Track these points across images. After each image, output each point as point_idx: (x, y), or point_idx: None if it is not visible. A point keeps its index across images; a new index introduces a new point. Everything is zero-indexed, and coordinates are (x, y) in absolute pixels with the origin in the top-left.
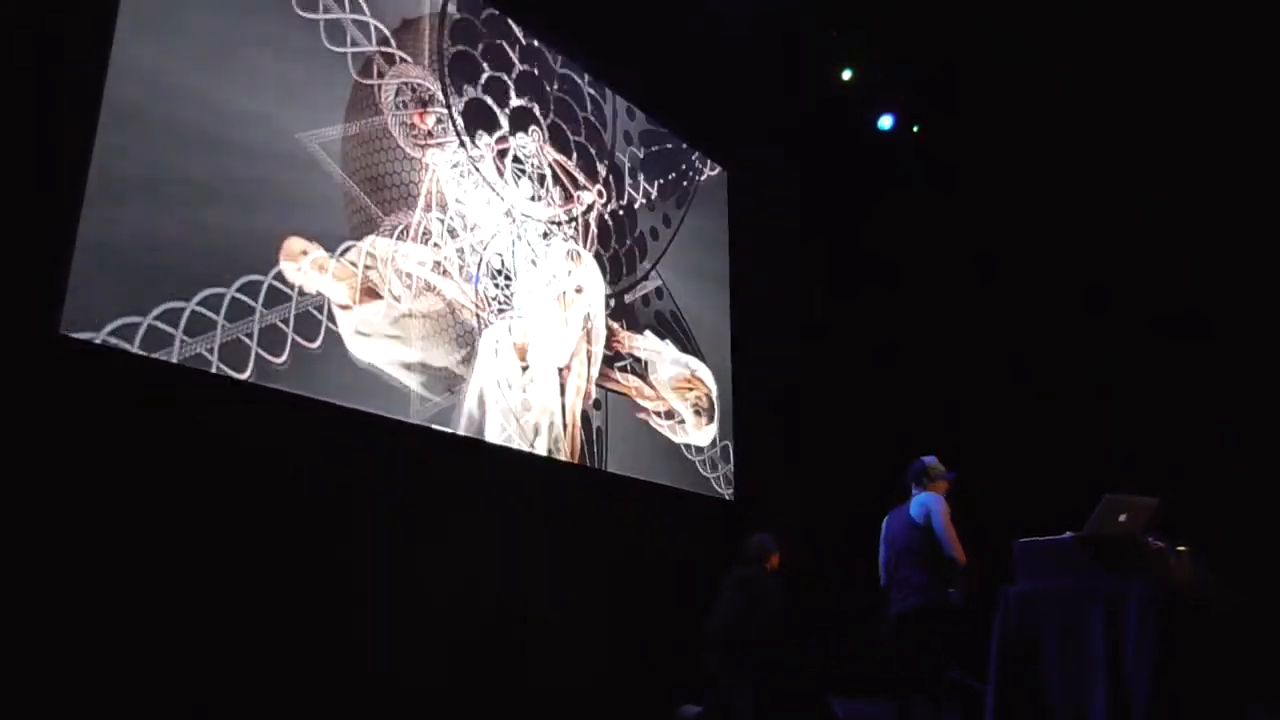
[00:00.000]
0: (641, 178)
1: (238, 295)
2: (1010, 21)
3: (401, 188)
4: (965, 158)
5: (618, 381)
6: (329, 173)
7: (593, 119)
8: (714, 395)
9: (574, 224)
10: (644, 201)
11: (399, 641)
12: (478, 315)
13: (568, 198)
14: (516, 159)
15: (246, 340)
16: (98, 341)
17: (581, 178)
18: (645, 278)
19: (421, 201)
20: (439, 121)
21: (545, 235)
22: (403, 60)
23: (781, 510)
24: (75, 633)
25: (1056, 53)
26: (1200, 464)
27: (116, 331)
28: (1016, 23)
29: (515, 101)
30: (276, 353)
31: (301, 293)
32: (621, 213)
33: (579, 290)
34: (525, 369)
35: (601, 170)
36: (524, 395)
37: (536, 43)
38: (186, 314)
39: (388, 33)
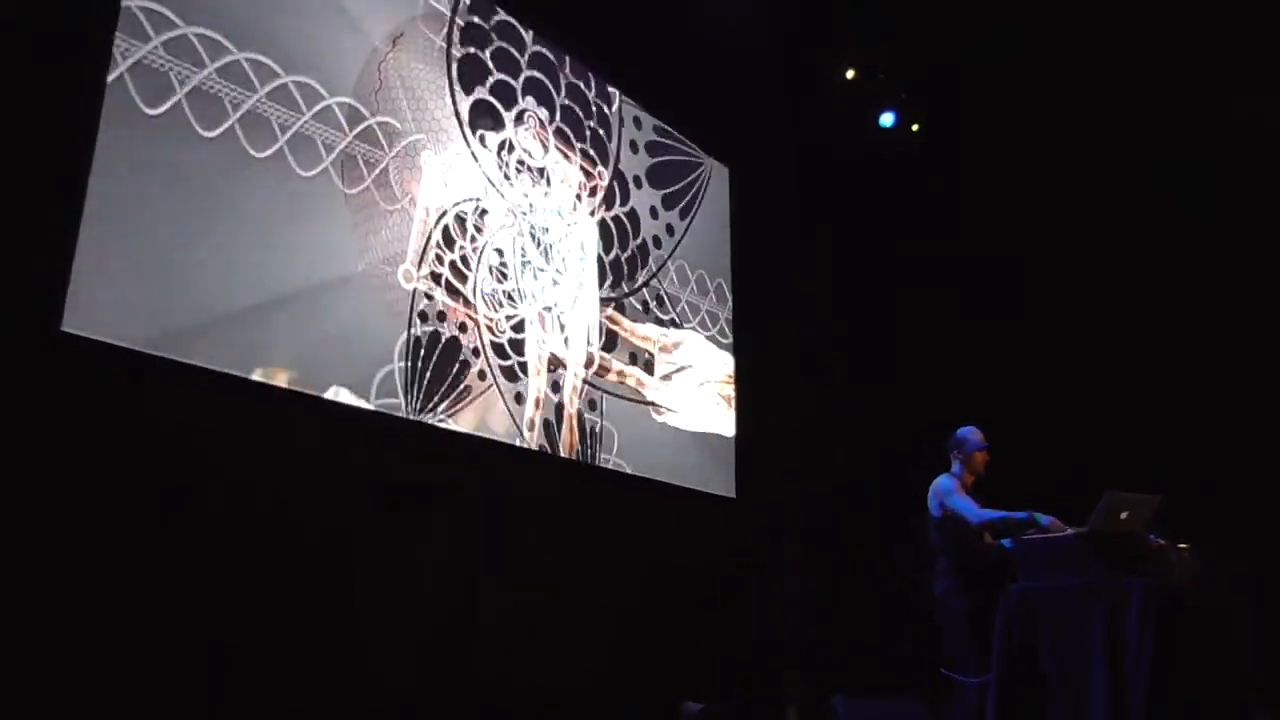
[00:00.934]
0: (647, 187)
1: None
2: (1013, 17)
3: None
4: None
5: (620, 374)
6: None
7: (599, 129)
8: (719, 390)
9: (575, 224)
10: (648, 210)
11: (398, 641)
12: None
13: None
14: (521, 160)
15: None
16: (102, 339)
17: (584, 179)
18: (645, 285)
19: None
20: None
21: (548, 229)
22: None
23: (785, 509)
24: (75, 633)
25: (1059, 50)
26: (1202, 461)
27: (120, 330)
28: (1019, 18)
29: (521, 105)
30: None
31: None
32: (625, 219)
33: (581, 285)
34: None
35: (606, 176)
36: (524, 390)
37: (545, 51)
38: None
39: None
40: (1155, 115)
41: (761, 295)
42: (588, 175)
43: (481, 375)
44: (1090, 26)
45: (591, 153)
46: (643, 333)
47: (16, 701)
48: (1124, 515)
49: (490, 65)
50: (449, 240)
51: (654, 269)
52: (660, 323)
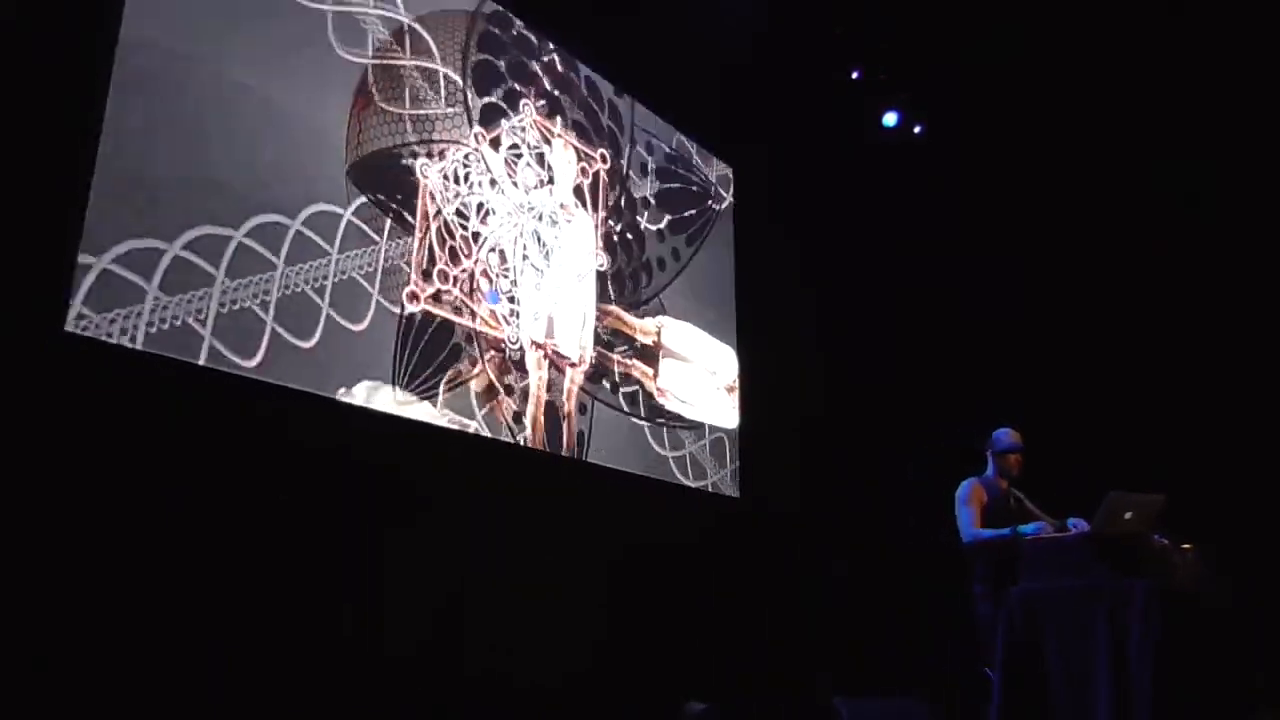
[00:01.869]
0: (655, 209)
1: None
2: (1013, 17)
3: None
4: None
5: (624, 366)
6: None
7: (608, 152)
8: (724, 386)
9: (572, 220)
10: (655, 232)
11: (398, 641)
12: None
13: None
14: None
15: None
16: (106, 338)
17: (584, 167)
18: (648, 300)
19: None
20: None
21: (554, 223)
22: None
23: (787, 509)
24: (76, 633)
25: (1062, 48)
26: (1205, 462)
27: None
28: (1020, 18)
29: (526, 102)
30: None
31: None
32: (630, 237)
33: (581, 278)
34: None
35: (614, 194)
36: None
37: (558, 61)
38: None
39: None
40: (1155, 115)
41: (762, 295)
42: (585, 171)
43: (474, 364)
44: (1090, 26)
45: (596, 155)
46: (643, 326)
47: (17, 701)
48: (1127, 516)
49: (503, 71)
50: (449, 234)
51: (657, 289)
52: (661, 314)
